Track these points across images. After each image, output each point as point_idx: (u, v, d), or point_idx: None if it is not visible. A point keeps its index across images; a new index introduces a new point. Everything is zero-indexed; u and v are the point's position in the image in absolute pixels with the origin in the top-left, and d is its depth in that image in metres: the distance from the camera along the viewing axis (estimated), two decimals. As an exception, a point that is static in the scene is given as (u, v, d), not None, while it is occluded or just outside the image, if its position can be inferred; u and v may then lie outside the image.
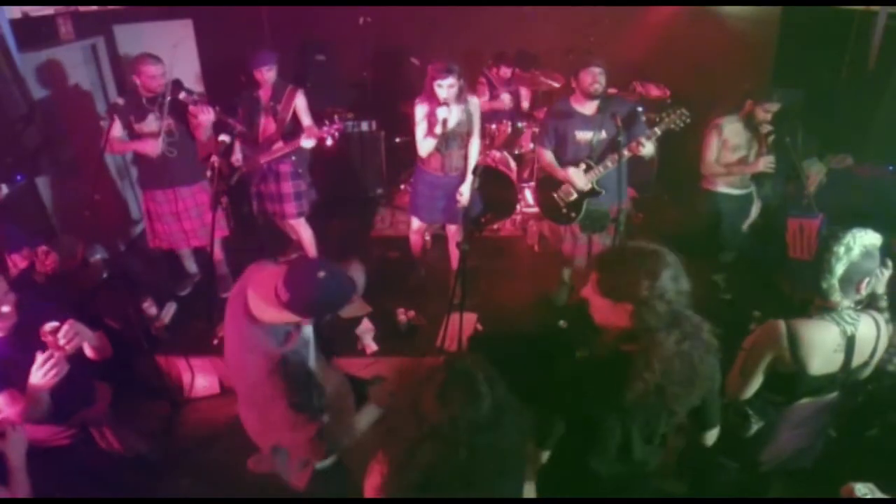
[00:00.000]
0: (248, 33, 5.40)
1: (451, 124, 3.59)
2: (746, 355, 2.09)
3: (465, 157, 3.78)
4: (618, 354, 1.68)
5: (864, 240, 1.91)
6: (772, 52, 4.44)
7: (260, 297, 1.78)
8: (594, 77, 3.33)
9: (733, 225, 4.05)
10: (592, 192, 3.53)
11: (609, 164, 3.38)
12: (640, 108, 3.59)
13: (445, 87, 3.43)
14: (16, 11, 3.65)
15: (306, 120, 3.95)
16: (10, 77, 3.31)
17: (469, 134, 3.72)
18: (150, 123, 3.60)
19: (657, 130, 3.30)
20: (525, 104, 5.64)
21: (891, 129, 3.83)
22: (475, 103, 3.70)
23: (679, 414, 1.77)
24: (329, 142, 3.78)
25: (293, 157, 3.98)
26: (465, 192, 3.78)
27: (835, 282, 1.92)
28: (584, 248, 3.81)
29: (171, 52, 3.70)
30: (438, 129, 3.50)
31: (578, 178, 3.48)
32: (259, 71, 3.79)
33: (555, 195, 3.65)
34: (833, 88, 4.32)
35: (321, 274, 1.71)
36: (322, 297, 1.74)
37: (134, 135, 3.63)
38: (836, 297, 1.95)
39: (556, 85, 5.17)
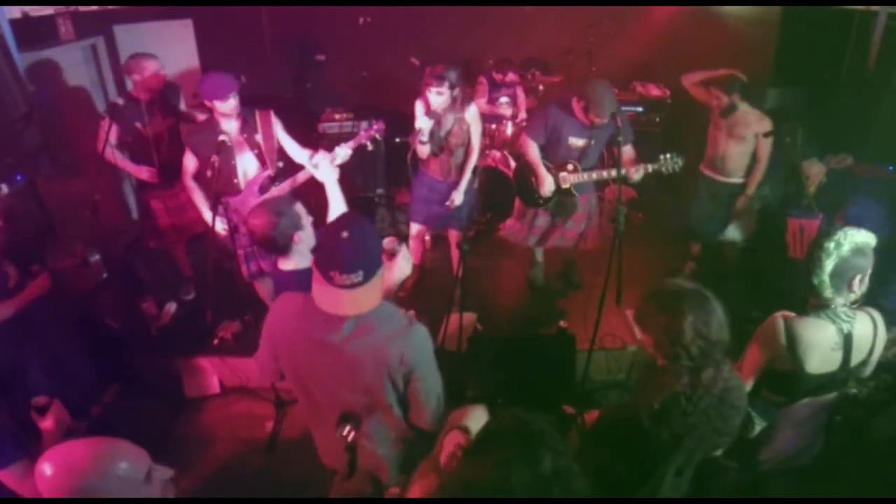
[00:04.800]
0: (248, 33, 5.40)
1: (443, 133, 3.60)
2: (746, 350, 2.11)
3: (465, 165, 3.77)
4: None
5: (856, 237, 1.93)
6: (772, 52, 4.43)
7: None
8: (601, 119, 3.34)
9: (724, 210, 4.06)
10: (568, 192, 3.69)
11: (594, 175, 3.57)
12: (625, 123, 3.62)
13: (434, 93, 3.42)
14: (16, 11, 3.64)
15: (292, 147, 3.25)
16: (10, 77, 3.31)
17: (468, 143, 3.69)
18: (155, 125, 3.60)
19: (650, 167, 3.37)
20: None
21: (891, 129, 3.83)
22: (473, 112, 3.60)
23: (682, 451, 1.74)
24: (370, 147, 3.19)
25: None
26: (456, 199, 3.77)
27: (825, 278, 1.94)
28: (539, 230, 3.95)
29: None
30: (424, 137, 3.51)
31: (548, 186, 3.63)
32: (221, 101, 3.02)
33: (533, 180, 3.75)
34: (833, 88, 4.32)
35: (345, 234, 1.60)
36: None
37: (136, 138, 3.60)
38: (828, 293, 1.96)
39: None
